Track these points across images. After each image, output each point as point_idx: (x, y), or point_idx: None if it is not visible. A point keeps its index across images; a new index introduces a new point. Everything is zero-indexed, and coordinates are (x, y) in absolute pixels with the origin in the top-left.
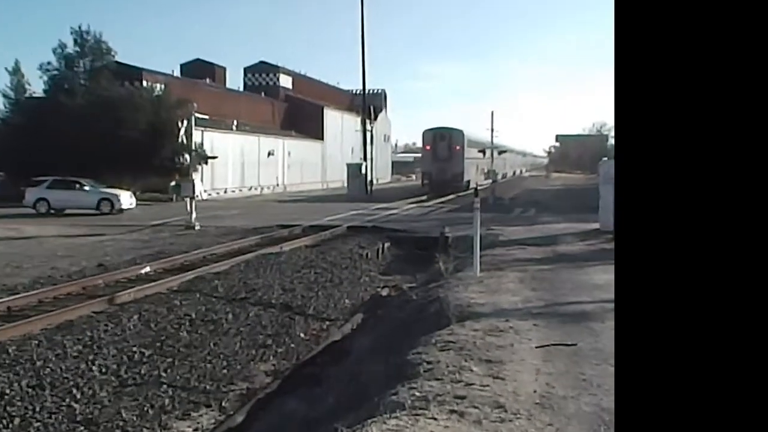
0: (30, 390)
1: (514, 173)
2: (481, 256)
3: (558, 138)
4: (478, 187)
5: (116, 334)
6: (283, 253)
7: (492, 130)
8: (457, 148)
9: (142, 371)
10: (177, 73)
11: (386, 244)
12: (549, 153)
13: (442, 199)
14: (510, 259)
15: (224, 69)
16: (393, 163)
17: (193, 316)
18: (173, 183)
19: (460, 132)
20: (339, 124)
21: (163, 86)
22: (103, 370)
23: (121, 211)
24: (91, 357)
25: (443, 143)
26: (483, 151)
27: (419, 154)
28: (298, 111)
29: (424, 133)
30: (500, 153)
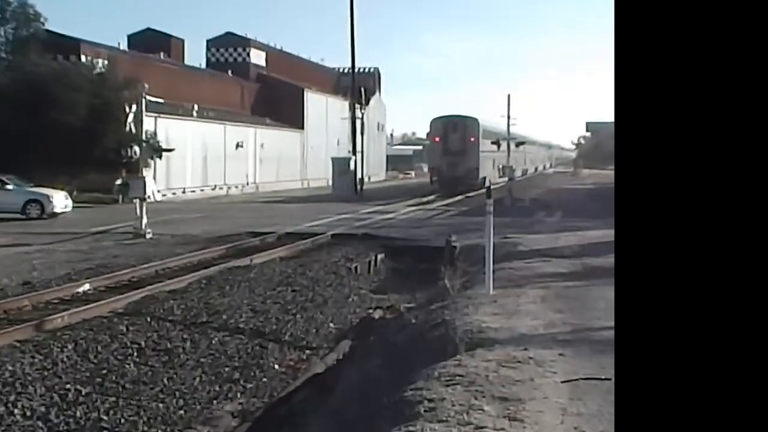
0: None
1: (535, 169)
2: (495, 271)
3: (589, 126)
4: (492, 186)
5: (45, 369)
6: (253, 266)
7: (508, 118)
8: (472, 139)
9: (78, 414)
10: (124, 45)
11: (380, 256)
12: (578, 145)
13: (448, 201)
14: (530, 274)
15: (182, 42)
16: (388, 157)
17: (143, 344)
18: (119, 181)
19: (475, 120)
20: (323, 109)
21: (106, 62)
22: (28, 413)
23: (54, 215)
24: (12, 398)
25: (455, 134)
26: (497, 143)
27: (419, 147)
28: (273, 93)
29: (432, 121)
30: (518, 145)
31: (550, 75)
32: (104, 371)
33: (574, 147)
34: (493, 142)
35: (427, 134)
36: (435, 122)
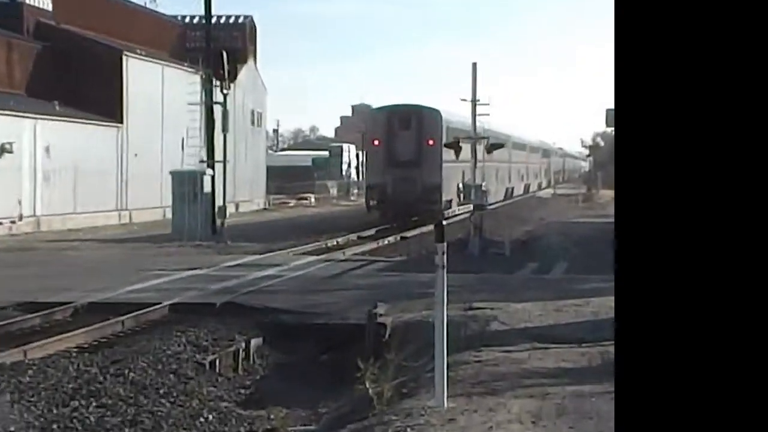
0: None
1: (526, 189)
2: (451, 367)
3: (609, 117)
4: (451, 220)
5: None
6: (29, 365)
7: (474, 103)
8: (431, 142)
9: None
10: None
11: (255, 342)
12: (592, 149)
13: (371, 246)
14: (513, 372)
15: None
16: (269, 169)
17: None
18: None
19: (437, 113)
20: (157, 87)
21: None
22: None
23: None
24: None
25: (407, 133)
26: (454, 146)
27: (325, 153)
28: (68, 59)
29: (371, 114)
30: (491, 149)
31: (548, 40)
32: None
33: (586, 153)
34: (447, 145)
35: (336, 129)
36: (375, 115)
